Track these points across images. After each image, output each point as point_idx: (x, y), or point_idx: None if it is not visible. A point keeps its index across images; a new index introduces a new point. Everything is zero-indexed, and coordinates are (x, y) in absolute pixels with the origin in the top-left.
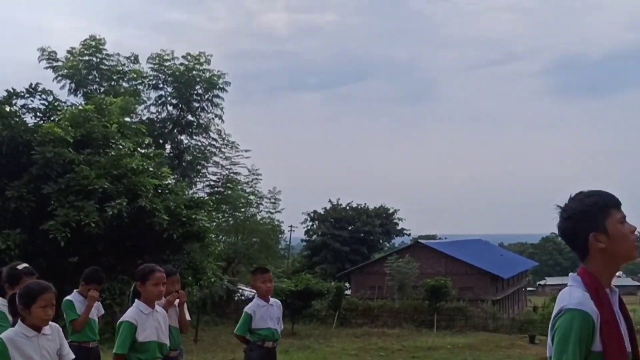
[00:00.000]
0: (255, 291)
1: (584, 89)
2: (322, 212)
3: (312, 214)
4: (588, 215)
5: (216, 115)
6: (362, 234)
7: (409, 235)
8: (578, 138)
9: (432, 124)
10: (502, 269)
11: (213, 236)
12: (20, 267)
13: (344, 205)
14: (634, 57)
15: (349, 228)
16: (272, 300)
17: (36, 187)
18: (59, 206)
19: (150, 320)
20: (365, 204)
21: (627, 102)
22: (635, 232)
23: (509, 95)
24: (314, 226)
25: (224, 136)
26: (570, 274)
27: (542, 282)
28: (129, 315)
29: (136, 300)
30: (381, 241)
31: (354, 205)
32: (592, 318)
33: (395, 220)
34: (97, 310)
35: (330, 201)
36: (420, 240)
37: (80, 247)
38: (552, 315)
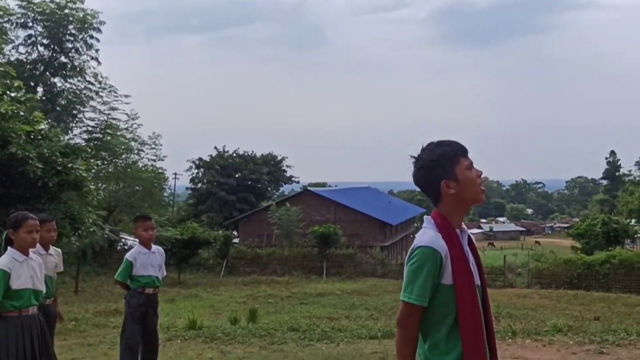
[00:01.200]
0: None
1: (471, 37)
2: (208, 160)
3: (197, 161)
4: (439, 164)
5: (92, 57)
6: (250, 182)
7: (298, 183)
8: (464, 86)
9: (321, 71)
10: (390, 215)
11: (92, 185)
12: None
13: (230, 152)
14: (517, 5)
15: (236, 176)
16: (154, 247)
17: None
18: None
19: (24, 267)
20: (253, 151)
21: (510, 51)
22: (482, 176)
23: (398, 43)
24: (200, 174)
25: (100, 79)
26: (425, 216)
27: None
28: (2, 263)
29: (9, 248)
30: (269, 189)
31: (241, 152)
32: (440, 254)
33: (284, 168)
34: None
35: (216, 148)
36: (309, 188)
37: None
38: (408, 254)
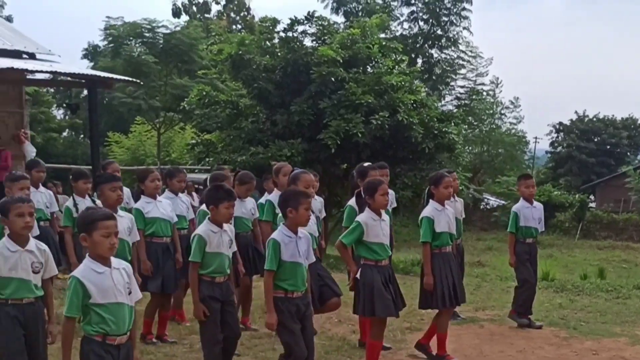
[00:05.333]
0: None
1: None
2: (568, 124)
3: (557, 126)
4: None
5: (464, 28)
6: (608, 147)
7: None
8: None
9: None
10: None
11: (461, 148)
12: (365, 164)
13: (590, 117)
14: None
15: (595, 140)
16: (535, 203)
17: (314, 103)
18: (332, 119)
19: (442, 215)
20: (613, 115)
21: None
22: None
23: None
24: (559, 138)
25: (471, 48)
26: None
27: None
28: (426, 212)
29: (431, 200)
30: (629, 154)
31: (601, 116)
32: None
33: None
34: None
35: (576, 112)
36: None
37: (348, 155)
38: None
